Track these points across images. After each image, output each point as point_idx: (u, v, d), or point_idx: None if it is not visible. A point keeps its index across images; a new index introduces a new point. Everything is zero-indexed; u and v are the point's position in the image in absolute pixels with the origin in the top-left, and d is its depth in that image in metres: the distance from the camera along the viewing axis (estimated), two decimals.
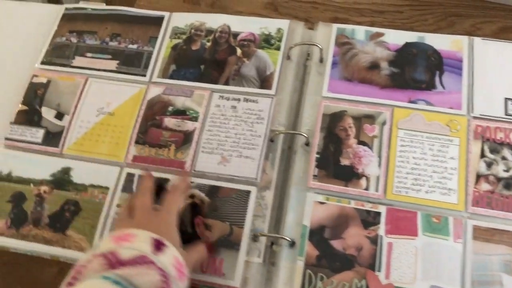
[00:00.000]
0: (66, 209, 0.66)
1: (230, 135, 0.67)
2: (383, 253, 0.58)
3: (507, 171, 0.61)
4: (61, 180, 0.67)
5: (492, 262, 0.57)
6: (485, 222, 0.59)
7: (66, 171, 0.68)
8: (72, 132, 0.70)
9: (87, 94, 0.73)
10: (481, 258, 0.57)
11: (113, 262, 0.45)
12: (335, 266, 0.58)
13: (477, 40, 0.69)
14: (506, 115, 0.64)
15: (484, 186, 0.60)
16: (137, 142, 0.68)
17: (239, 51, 0.73)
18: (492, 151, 0.62)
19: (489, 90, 0.66)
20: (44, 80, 0.75)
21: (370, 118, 0.65)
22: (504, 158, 0.62)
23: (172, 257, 0.49)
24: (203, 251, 0.57)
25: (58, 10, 0.81)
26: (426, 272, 0.57)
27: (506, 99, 0.65)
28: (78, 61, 0.76)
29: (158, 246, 0.49)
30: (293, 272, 0.59)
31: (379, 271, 0.57)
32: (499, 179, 0.61)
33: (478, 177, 0.61)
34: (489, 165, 0.61)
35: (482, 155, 0.62)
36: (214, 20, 0.76)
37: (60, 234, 0.64)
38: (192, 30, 0.75)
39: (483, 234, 0.58)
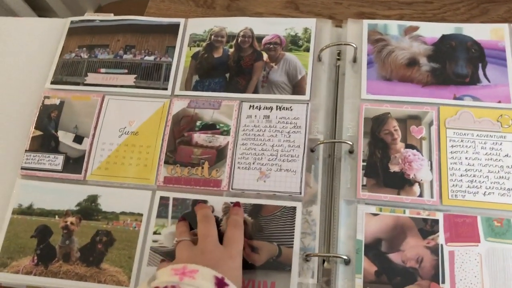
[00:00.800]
0: (98, 241, 0.61)
1: (266, 148, 0.62)
2: (446, 264, 0.55)
3: None
4: (89, 210, 0.63)
5: None
6: None
7: (92, 199, 0.63)
8: (94, 156, 0.65)
9: (106, 113, 0.68)
10: None
11: None
12: (397, 281, 0.55)
13: None
14: None
15: None
16: (166, 162, 0.64)
17: (265, 55, 0.68)
18: None
19: None
20: (56, 101, 0.69)
21: (416, 119, 0.61)
22: None
23: None
24: None
25: (62, 24, 0.76)
26: (494, 280, 0.54)
27: None
28: (91, 78, 0.71)
29: (221, 285, 0.45)
30: None
31: (443, 283, 0.54)
32: None
33: None
34: None
35: None
36: (234, 24, 0.71)
37: (94, 268, 0.60)
38: (212, 36, 0.71)
39: None
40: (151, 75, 0.69)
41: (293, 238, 0.58)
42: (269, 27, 0.70)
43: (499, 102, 0.61)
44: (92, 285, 0.59)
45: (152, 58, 0.71)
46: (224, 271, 0.47)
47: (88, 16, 0.76)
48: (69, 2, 1.18)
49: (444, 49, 0.65)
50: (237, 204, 0.59)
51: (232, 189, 0.61)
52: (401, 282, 0.55)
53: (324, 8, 0.74)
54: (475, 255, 0.55)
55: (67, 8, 1.16)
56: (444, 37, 0.66)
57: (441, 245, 0.56)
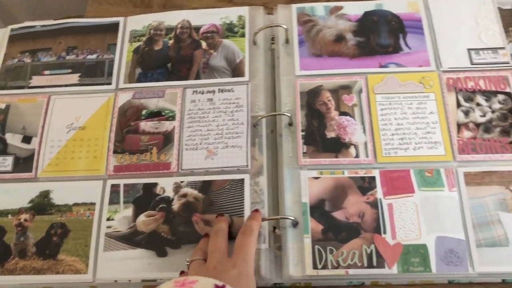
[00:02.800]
0: (53, 234, 0.62)
1: (212, 128, 0.65)
2: (385, 215, 0.59)
3: (483, 116, 0.63)
4: (42, 205, 0.64)
5: (487, 203, 0.59)
6: (474, 167, 0.61)
7: (45, 194, 0.64)
8: (44, 154, 0.66)
9: (52, 112, 0.69)
10: (477, 202, 0.59)
11: None
12: (342, 237, 0.58)
13: None
14: (472, 64, 0.66)
15: (466, 134, 0.63)
16: (115, 151, 0.66)
17: (204, 44, 0.72)
18: (466, 99, 0.64)
19: (451, 43, 0.68)
20: (2, 106, 0.70)
21: (347, 88, 0.66)
22: (478, 104, 0.64)
23: None
24: None
25: (2, 33, 0.77)
26: (430, 225, 0.58)
27: (469, 50, 0.67)
28: (36, 80, 0.72)
29: None
30: (302, 251, 0.58)
31: (385, 233, 0.58)
32: (478, 125, 0.63)
33: (459, 126, 0.63)
34: (466, 113, 0.64)
35: (458, 105, 0.64)
36: (172, 18, 0.75)
37: (51, 261, 0.60)
38: (151, 31, 0.74)
39: (474, 179, 0.60)
40: (95, 72, 0.72)
41: (243, 208, 0.60)
42: (205, 18, 0.74)
43: (420, 66, 0.67)
44: (50, 277, 0.60)
45: (94, 56, 0.73)
46: (227, 281, 0.46)
47: (28, 23, 0.77)
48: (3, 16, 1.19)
49: (367, 24, 0.70)
50: (256, 210, 0.59)
51: (181, 169, 0.64)
52: (346, 237, 0.58)
53: None
54: (411, 205, 0.59)
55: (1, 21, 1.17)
56: (366, 14, 0.71)
57: (380, 199, 0.60)
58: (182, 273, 0.57)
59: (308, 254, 0.58)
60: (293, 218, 0.59)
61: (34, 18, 0.86)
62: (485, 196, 0.59)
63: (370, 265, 0.56)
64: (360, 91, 0.66)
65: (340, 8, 0.72)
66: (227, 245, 0.55)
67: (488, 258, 0.56)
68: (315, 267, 0.57)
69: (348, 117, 0.64)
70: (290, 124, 0.65)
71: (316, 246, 0.58)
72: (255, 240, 0.55)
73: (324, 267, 0.57)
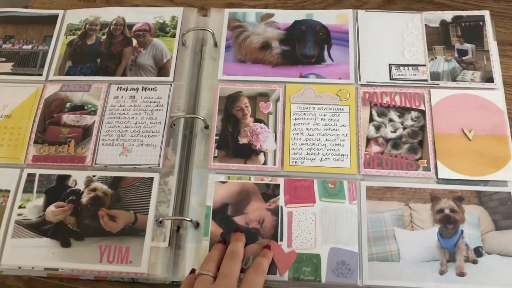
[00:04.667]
0: None
1: (130, 125, 0.67)
2: (284, 223, 0.60)
3: (394, 131, 0.64)
4: None
5: (385, 218, 0.60)
6: (377, 182, 0.62)
7: None
8: None
9: None
10: (375, 216, 0.60)
11: None
12: None
13: (360, 12, 0.72)
14: (391, 79, 0.67)
15: (375, 148, 0.64)
16: (36, 141, 0.67)
17: (134, 41, 0.73)
18: (380, 114, 0.65)
19: (374, 58, 0.69)
20: None
21: (265, 96, 0.67)
22: (391, 120, 0.65)
23: None
24: None
25: None
26: (326, 236, 0.59)
27: (390, 65, 0.68)
28: None
29: None
30: (199, 252, 0.59)
31: (281, 240, 0.59)
32: (387, 140, 0.64)
33: (368, 140, 0.64)
34: (377, 128, 0.65)
35: (371, 119, 0.65)
36: (109, 14, 0.76)
37: None
38: (87, 25, 0.75)
39: (375, 193, 0.61)
40: (28, 63, 0.73)
41: (148, 206, 0.62)
42: (140, 16, 0.75)
43: (340, 78, 0.68)
44: None
45: (30, 46, 0.74)
46: None
47: None
48: None
49: (295, 33, 0.71)
50: (268, 246, 0.58)
51: (95, 164, 0.65)
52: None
53: (196, 0, 0.79)
54: (310, 214, 0.61)
55: None
56: (296, 23, 0.72)
57: (281, 206, 0.61)
58: (193, 271, 0.57)
59: (204, 256, 0.59)
60: (191, 220, 0.60)
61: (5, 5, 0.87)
62: (384, 211, 0.61)
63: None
64: (277, 100, 0.67)
65: (271, 15, 0.73)
66: (239, 271, 0.54)
67: (378, 272, 0.58)
68: None
69: (262, 125, 0.65)
70: (206, 127, 0.66)
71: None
72: (263, 279, 0.54)
73: None
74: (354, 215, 0.60)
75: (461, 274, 0.57)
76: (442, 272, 0.57)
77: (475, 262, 0.58)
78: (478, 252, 0.58)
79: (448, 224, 0.59)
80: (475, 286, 0.56)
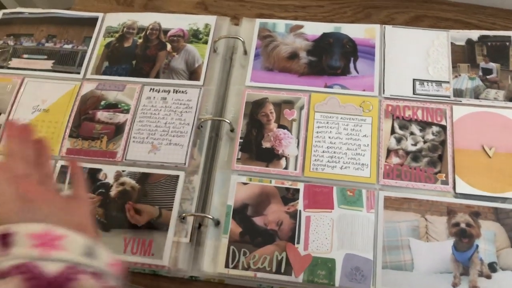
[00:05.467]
0: None
1: (160, 125, 0.70)
2: (302, 227, 0.62)
3: (414, 145, 0.66)
4: None
5: (401, 228, 0.61)
6: (395, 192, 0.63)
7: None
8: None
9: (23, 93, 0.75)
10: (391, 226, 0.62)
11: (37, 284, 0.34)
12: (257, 241, 0.62)
13: (388, 28, 0.74)
14: (414, 94, 0.69)
15: (395, 160, 0.65)
16: (70, 136, 0.71)
17: (169, 46, 0.76)
18: (402, 127, 0.67)
19: (399, 72, 0.71)
20: None
21: (290, 103, 0.70)
22: (412, 133, 0.66)
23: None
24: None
25: None
26: (342, 242, 0.61)
27: (414, 80, 0.70)
28: (14, 62, 0.78)
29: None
30: (217, 249, 0.62)
31: (298, 243, 0.61)
32: (407, 153, 0.65)
33: (389, 152, 0.66)
34: (398, 140, 0.66)
35: (393, 131, 0.67)
36: (146, 18, 0.80)
37: None
38: (125, 29, 0.79)
39: (393, 204, 0.63)
40: (67, 61, 0.77)
41: (173, 202, 0.65)
42: (176, 22, 0.79)
43: (364, 90, 0.70)
44: None
45: (70, 46, 0.79)
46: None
47: (19, 9, 0.84)
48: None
49: (323, 45, 0.74)
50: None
51: (125, 159, 0.69)
52: (261, 242, 0.62)
53: (229, 9, 0.83)
54: (328, 220, 0.62)
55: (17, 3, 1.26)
56: (324, 35, 0.75)
57: (300, 210, 0.63)
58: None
59: (222, 253, 0.61)
60: (213, 218, 0.63)
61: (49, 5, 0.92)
62: (400, 221, 0.62)
63: (278, 271, 0.60)
64: (301, 108, 0.69)
65: (301, 27, 0.76)
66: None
67: (391, 280, 0.59)
68: (227, 266, 0.61)
69: (285, 131, 0.68)
70: (232, 130, 0.69)
71: (232, 247, 0.62)
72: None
73: (235, 267, 0.61)
74: (371, 223, 0.62)
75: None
76: (455, 285, 0.58)
77: (488, 277, 0.58)
78: (492, 267, 0.59)
79: (464, 238, 0.60)
80: None
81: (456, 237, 0.60)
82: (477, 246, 0.60)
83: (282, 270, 0.60)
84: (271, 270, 0.60)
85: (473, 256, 0.59)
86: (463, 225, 0.61)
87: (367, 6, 0.80)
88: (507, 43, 0.71)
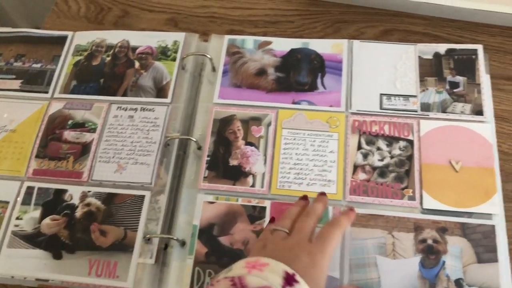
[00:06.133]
0: None
1: (126, 144, 0.70)
2: None
3: (381, 160, 0.65)
4: None
5: (367, 245, 0.61)
6: (362, 209, 0.63)
7: None
8: None
9: None
10: (358, 243, 0.61)
11: (238, 287, 0.43)
12: (223, 262, 0.61)
13: (356, 42, 0.74)
14: (381, 109, 0.69)
15: (361, 176, 0.65)
16: (37, 156, 0.70)
17: (137, 63, 0.76)
18: (368, 143, 0.67)
19: (366, 87, 0.70)
20: None
21: (257, 120, 0.69)
22: (379, 148, 0.66)
23: None
24: None
25: None
26: None
27: (381, 95, 0.70)
28: None
29: (290, 281, 0.44)
30: (183, 270, 0.61)
31: None
32: (374, 168, 0.65)
33: (356, 167, 0.65)
34: (365, 156, 0.66)
35: (359, 147, 0.66)
36: (115, 37, 0.79)
37: None
38: (93, 47, 0.79)
39: (360, 221, 0.62)
40: (36, 81, 0.77)
41: (138, 223, 0.64)
42: (144, 39, 0.78)
43: (331, 106, 0.69)
44: None
45: (39, 65, 0.78)
46: (297, 267, 0.46)
47: None
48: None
49: (291, 61, 0.74)
50: (351, 209, 0.59)
51: (91, 180, 0.68)
52: (227, 262, 0.60)
53: (200, 25, 0.83)
54: None
55: None
56: (292, 51, 0.75)
57: None
58: (272, 220, 0.59)
59: (187, 274, 0.61)
60: (177, 239, 0.62)
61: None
62: (367, 238, 0.61)
63: None
64: (269, 124, 0.69)
65: (269, 43, 0.75)
66: (314, 229, 0.54)
67: None
68: (191, 287, 0.60)
69: (253, 148, 0.67)
70: (199, 148, 0.68)
71: (197, 268, 0.61)
72: (341, 235, 0.54)
73: None
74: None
75: None
76: None
77: None
78: (459, 284, 0.58)
79: (430, 255, 0.60)
80: None
81: (423, 254, 0.60)
82: (444, 262, 0.59)
83: None
84: None
85: (439, 273, 0.59)
86: (430, 241, 0.60)
87: (337, 21, 0.80)
88: (473, 56, 0.72)
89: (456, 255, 0.60)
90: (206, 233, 0.63)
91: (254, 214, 0.63)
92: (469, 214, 0.62)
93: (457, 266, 0.59)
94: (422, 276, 0.59)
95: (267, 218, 0.63)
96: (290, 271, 0.45)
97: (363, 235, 0.61)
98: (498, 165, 0.65)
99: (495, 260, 0.59)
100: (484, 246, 0.60)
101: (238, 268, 0.46)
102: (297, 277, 0.45)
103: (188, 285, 0.60)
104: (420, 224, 0.61)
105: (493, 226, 0.61)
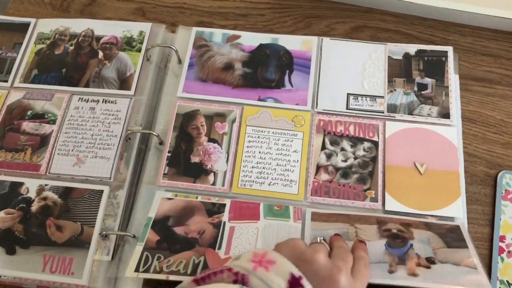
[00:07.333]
0: None
1: (86, 137, 0.68)
2: (225, 235, 0.59)
3: (345, 161, 0.65)
4: None
5: (329, 234, 0.58)
6: (323, 209, 0.62)
7: None
8: None
9: None
10: (319, 232, 0.59)
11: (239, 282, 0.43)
12: (175, 248, 0.58)
13: (325, 40, 0.73)
14: (348, 109, 0.68)
15: (324, 176, 0.64)
16: None
17: (100, 54, 0.74)
18: (332, 143, 0.66)
19: (333, 86, 0.69)
20: None
21: (221, 116, 0.68)
22: (343, 149, 0.65)
23: None
24: None
25: None
26: (266, 246, 0.58)
27: (348, 94, 0.69)
28: None
29: (294, 285, 0.43)
30: (131, 256, 0.58)
31: (219, 249, 0.58)
32: (337, 169, 0.64)
33: (318, 168, 0.64)
34: (328, 156, 0.65)
35: (323, 147, 0.65)
36: (79, 25, 0.77)
37: None
38: (57, 35, 0.76)
39: (321, 217, 0.61)
40: None
41: (95, 218, 0.62)
42: (110, 29, 0.76)
43: (297, 104, 0.68)
44: None
45: None
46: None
47: None
48: None
49: (259, 56, 0.72)
50: (363, 241, 0.57)
51: (49, 173, 0.66)
52: (179, 249, 0.58)
53: (169, 16, 0.80)
54: (253, 229, 0.60)
55: None
56: (261, 46, 0.73)
57: (224, 222, 0.61)
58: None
59: (134, 259, 0.57)
60: (132, 236, 0.61)
61: None
62: (329, 229, 0.59)
63: (194, 274, 0.56)
64: (233, 121, 0.67)
65: (238, 37, 0.74)
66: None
67: None
68: (136, 270, 0.57)
69: (216, 145, 0.66)
70: (161, 143, 0.67)
71: (145, 253, 0.58)
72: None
73: (146, 271, 0.57)
74: (298, 231, 0.59)
75: (412, 274, 0.54)
76: (391, 272, 0.54)
77: (428, 267, 0.54)
78: (430, 260, 0.55)
79: (397, 239, 0.57)
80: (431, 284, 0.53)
81: (388, 238, 0.58)
82: (412, 245, 0.56)
83: (198, 273, 0.57)
84: (185, 273, 0.56)
85: (408, 251, 0.56)
86: (394, 230, 0.58)
87: (308, 15, 0.79)
88: (443, 58, 0.71)
89: (424, 241, 0.57)
90: (160, 224, 0.61)
91: (213, 209, 0.62)
92: (431, 217, 0.61)
93: (427, 249, 0.56)
94: (390, 253, 0.56)
95: (226, 213, 0.61)
96: (297, 273, 0.43)
97: (325, 227, 0.60)
98: (463, 166, 0.65)
99: (465, 246, 0.56)
100: (451, 237, 0.57)
101: (244, 260, 0.45)
102: (303, 281, 0.43)
103: (133, 268, 0.57)
104: (382, 219, 0.60)
105: (457, 226, 0.60)
